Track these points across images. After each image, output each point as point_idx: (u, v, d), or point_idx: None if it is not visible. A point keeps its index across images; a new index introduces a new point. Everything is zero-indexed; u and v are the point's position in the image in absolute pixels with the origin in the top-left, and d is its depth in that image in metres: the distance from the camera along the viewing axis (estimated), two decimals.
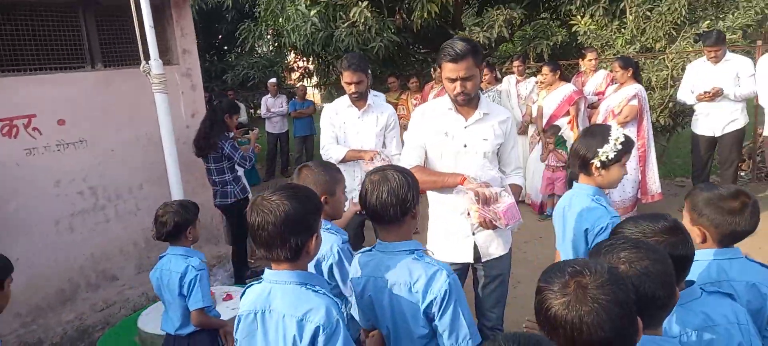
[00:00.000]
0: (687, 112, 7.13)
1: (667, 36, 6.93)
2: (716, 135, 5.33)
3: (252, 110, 12.81)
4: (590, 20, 7.35)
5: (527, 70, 7.14)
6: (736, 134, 5.30)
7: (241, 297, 1.68)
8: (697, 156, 5.57)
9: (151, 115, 4.32)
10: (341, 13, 7.46)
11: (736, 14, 6.69)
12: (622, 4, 7.41)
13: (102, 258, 4.20)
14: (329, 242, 2.05)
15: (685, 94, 5.53)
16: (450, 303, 1.70)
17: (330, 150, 3.73)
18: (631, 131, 5.36)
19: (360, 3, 7.23)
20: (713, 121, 5.32)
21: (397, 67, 9.08)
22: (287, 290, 1.55)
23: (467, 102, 2.57)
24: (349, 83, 3.56)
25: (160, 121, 3.71)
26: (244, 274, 4.73)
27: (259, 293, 1.61)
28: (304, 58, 10.69)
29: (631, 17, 7.06)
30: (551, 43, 7.89)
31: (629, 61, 5.54)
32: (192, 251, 2.65)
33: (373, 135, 3.72)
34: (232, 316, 3.85)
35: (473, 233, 2.63)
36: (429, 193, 2.82)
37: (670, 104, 6.79)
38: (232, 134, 4.60)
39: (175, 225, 2.55)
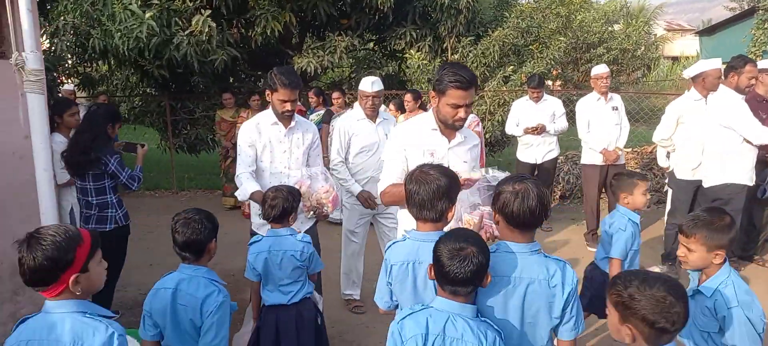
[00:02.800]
0: (501, 142, 8.35)
1: (481, 76, 8.04)
2: (537, 162, 6.38)
3: None
4: (421, 55, 8.08)
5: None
6: (552, 162, 6.43)
7: None
8: None
9: None
10: (177, 19, 6.79)
11: (531, 63, 8.12)
12: (445, 44, 8.36)
13: None
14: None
15: (512, 127, 6.49)
16: (576, 293, 1.93)
17: (244, 182, 3.37)
18: None
19: (202, 11, 6.71)
20: (535, 151, 6.36)
21: (226, 83, 8.59)
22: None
23: (461, 126, 2.67)
24: (285, 101, 3.33)
25: (33, 129, 2.94)
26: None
27: (409, 249, 2.08)
28: (93, 64, 9.34)
29: (455, 57, 8.00)
30: (383, 73, 8.40)
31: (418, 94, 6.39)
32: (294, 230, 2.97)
33: (300, 154, 3.54)
34: None
35: None
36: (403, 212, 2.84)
37: (487, 135, 7.87)
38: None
39: (283, 210, 2.87)
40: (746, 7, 19.63)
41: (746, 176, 4.24)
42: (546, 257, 1.93)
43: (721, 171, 4.28)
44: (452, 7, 7.94)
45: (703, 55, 17.66)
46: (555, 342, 2.01)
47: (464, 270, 1.73)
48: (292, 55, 8.08)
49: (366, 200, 4.04)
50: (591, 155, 5.81)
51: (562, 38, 8.48)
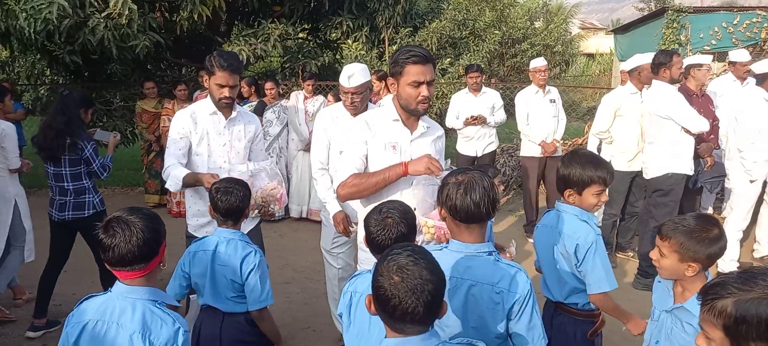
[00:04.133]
0: None
1: None
2: (477, 155, 6.37)
3: None
4: (358, 45, 7.88)
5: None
6: (492, 154, 6.44)
7: None
8: None
9: None
10: (93, 0, 6.16)
11: (467, 55, 8.14)
12: (382, 35, 8.20)
13: None
14: None
15: (452, 120, 6.43)
16: (529, 304, 1.76)
17: (173, 173, 3.03)
18: None
19: None
20: (475, 144, 6.34)
21: (147, 72, 7.96)
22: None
23: (425, 110, 2.51)
24: (223, 86, 3.02)
25: None
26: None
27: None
28: None
29: (393, 48, 7.86)
30: (319, 64, 8.12)
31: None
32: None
33: (241, 148, 3.23)
34: None
35: None
36: (357, 204, 2.65)
37: None
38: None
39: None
40: (654, 8, 20.96)
41: (687, 166, 4.39)
42: (496, 261, 1.80)
43: (662, 162, 4.40)
44: None
45: (618, 53, 18.62)
46: None
47: (386, 237, 1.91)
48: (221, 43, 7.61)
49: (340, 223, 3.25)
50: (530, 147, 5.87)
51: (496, 31, 8.58)
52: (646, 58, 4.91)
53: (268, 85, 6.75)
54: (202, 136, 3.13)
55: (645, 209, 4.90)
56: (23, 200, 4.07)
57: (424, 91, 2.39)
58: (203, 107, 3.16)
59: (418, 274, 1.35)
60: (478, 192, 1.73)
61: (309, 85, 6.66)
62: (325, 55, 8.30)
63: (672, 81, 4.47)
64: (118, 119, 8.20)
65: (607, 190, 5.38)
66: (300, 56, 8.18)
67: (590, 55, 25.30)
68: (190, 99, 6.95)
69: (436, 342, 1.41)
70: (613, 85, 17.88)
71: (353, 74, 3.27)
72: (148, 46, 6.58)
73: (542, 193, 6.42)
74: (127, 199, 7.70)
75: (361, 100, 3.32)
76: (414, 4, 8.60)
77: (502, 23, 10.43)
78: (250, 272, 2.41)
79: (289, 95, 6.86)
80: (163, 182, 6.95)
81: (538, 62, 5.84)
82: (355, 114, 3.28)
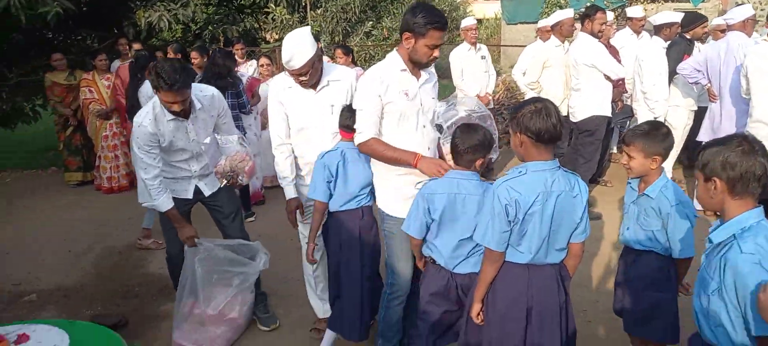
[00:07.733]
0: None
1: (343, 32, 8.10)
2: None
3: None
4: (281, 9, 7.81)
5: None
6: None
7: None
8: None
9: None
10: None
11: (389, 18, 8.39)
12: (303, 1, 8.19)
13: None
14: None
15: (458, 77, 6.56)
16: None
17: (154, 195, 3.13)
18: None
19: None
20: None
21: (50, 42, 7.30)
22: None
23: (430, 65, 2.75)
24: (173, 103, 3.00)
25: None
26: None
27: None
28: None
29: (319, 11, 7.90)
30: (240, 29, 7.94)
31: (348, 49, 6.36)
32: None
33: (210, 130, 3.30)
34: None
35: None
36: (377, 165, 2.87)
37: None
38: None
39: None
40: None
41: (608, 109, 5.05)
42: (565, 172, 2.19)
43: (587, 106, 5.02)
44: None
45: (505, 16, 19.90)
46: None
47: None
48: (134, 9, 7.17)
49: (292, 211, 3.18)
50: None
51: None
52: (564, 14, 5.50)
53: (193, 54, 6.50)
54: (171, 140, 3.17)
55: (573, 149, 5.56)
56: None
57: (436, 53, 2.67)
58: (161, 115, 3.11)
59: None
60: (554, 114, 2.06)
61: (240, 49, 6.55)
62: (245, 20, 8.13)
63: (593, 34, 5.07)
64: (16, 96, 7.47)
65: None
66: (220, 22, 7.94)
67: (478, 20, 26.61)
68: (109, 69, 6.55)
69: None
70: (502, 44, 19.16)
71: (291, 59, 2.87)
72: (60, 13, 6.06)
73: None
74: (40, 181, 7.09)
75: (310, 75, 2.96)
76: None
77: None
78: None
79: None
80: (85, 158, 6.65)
81: (469, 21, 6.25)
82: (308, 87, 3.04)
